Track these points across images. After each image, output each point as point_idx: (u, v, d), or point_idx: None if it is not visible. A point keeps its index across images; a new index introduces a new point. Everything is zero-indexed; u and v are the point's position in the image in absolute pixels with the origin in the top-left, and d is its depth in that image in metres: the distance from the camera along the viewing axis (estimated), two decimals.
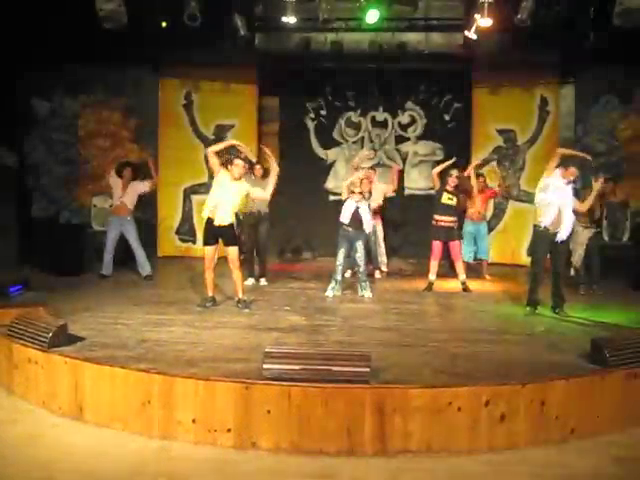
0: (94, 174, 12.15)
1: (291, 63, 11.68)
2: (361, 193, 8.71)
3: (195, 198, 12.40)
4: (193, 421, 4.78)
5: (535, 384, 4.82)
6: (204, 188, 12.30)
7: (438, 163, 12.53)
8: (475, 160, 10.86)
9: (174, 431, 4.83)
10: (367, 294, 8.63)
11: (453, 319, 7.70)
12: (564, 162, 7.51)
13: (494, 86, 11.99)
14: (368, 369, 4.80)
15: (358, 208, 8.59)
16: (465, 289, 9.09)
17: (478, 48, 10.45)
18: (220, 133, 12.47)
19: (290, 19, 9.97)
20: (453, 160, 9.33)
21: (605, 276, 9.15)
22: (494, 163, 11.99)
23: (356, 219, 8.58)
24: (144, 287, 9.18)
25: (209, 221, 7.52)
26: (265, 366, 4.84)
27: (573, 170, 7.42)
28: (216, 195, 7.50)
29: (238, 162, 7.61)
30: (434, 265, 9.17)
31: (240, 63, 11.68)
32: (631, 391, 5.14)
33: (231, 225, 7.60)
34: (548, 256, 7.60)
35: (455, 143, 12.48)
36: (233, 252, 7.58)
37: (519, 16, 8.95)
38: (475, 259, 10.29)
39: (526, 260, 11.19)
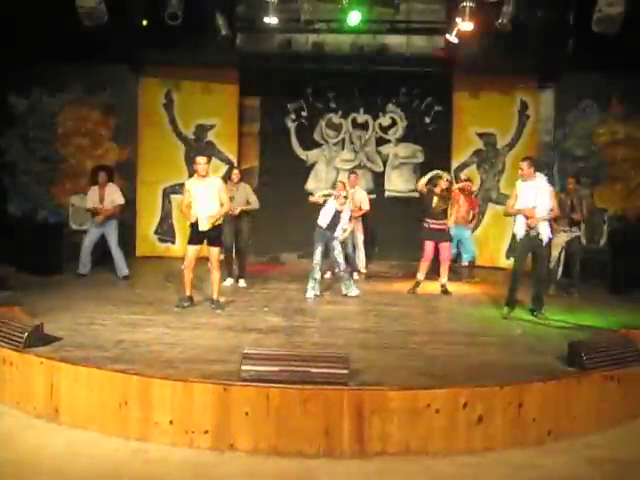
0: (72, 173, 12.06)
1: (272, 64, 11.66)
2: (345, 197, 8.71)
3: (175, 198, 12.33)
4: (170, 422, 4.75)
5: (513, 386, 4.85)
6: (184, 188, 12.26)
7: (419, 166, 12.74)
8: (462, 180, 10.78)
9: (151, 433, 4.78)
10: (353, 292, 8.62)
11: (432, 321, 7.72)
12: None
13: (474, 89, 12.06)
14: (346, 371, 4.79)
15: (339, 212, 8.58)
16: (445, 292, 9.12)
17: (459, 52, 10.50)
18: (200, 133, 12.44)
19: (272, 20, 9.95)
20: (435, 172, 9.28)
21: (583, 280, 9.22)
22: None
23: (334, 222, 8.59)
24: (122, 287, 9.11)
25: (195, 223, 7.48)
26: (243, 367, 4.82)
27: (520, 164, 7.49)
28: (195, 206, 7.47)
29: (200, 159, 7.57)
30: (424, 266, 9.15)
31: (221, 63, 11.66)
32: (607, 393, 5.19)
33: (217, 227, 7.56)
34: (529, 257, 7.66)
35: (435, 146, 12.57)
36: (215, 252, 7.55)
37: (500, 21, 9.01)
38: (456, 262, 10.33)
39: (505, 263, 11.29)
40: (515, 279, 7.63)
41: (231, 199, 9.00)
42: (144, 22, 10.10)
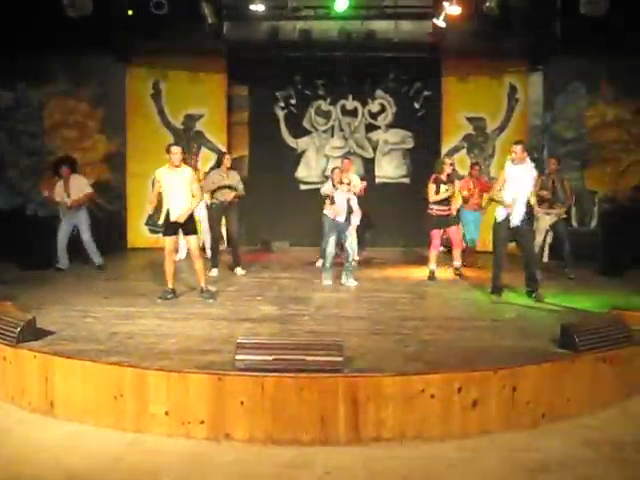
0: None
1: (260, 52, 11.60)
2: (349, 183, 8.67)
3: None
4: (166, 413, 4.75)
5: (506, 370, 4.87)
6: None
7: (409, 151, 12.72)
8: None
9: (147, 424, 4.78)
10: (352, 283, 8.59)
11: (425, 307, 7.73)
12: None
13: (463, 74, 12.06)
14: (341, 358, 4.80)
15: (349, 200, 8.53)
16: (459, 275, 9.09)
17: (447, 36, 10.48)
18: (189, 123, 12.40)
19: (258, 7, 9.90)
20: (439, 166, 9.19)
21: (574, 262, 9.25)
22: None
23: (346, 210, 8.51)
24: (114, 280, 9.08)
25: (167, 214, 7.47)
26: (238, 357, 4.82)
27: (513, 148, 7.47)
28: (167, 196, 7.43)
29: (174, 148, 7.45)
30: (434, 255, 9.10)
31: (208, 52, 11.60)
32: (600, 375, 5.22)
33: (190, 216, 7.52)
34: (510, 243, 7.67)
35: (425, 131, 12.58)
36: (193, 241, 7.54)
37: (487, 4, 9.02)
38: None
39: None
40: (495, 266, 7.63)
41: (227, 186, 8.98)
42: (129, 12, 10.01)
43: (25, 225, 10.35)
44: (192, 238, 7.55)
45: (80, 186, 9.75)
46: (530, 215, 7.63)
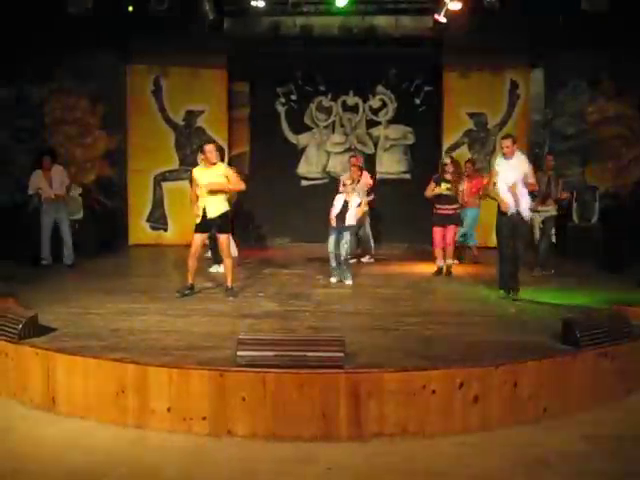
0: (61, 162, 11.95)
1: (261, 47, 11.58)
2: (352, 182, 8.67)
3: (165, 185, 12.31)
4: (168, 410, 4.75)
5: (508, 365, 4.87)
6: (174, 175, 12.24)
7: (409, 147, 12.71)
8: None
9: (149, 420, 4.79)
10: (348, 281, 8.59)
11: (426, 302, 7.72)
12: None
13: (464, 70, 12.03)
14: (342, 354, 4.80)
15: (347, 202, 8.52)
16: (448, 273, 9.08)
17: (448, 32, 10.47)
18: (190, 119, 12.38)
19: (259, 3, 9.89)
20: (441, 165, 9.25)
21: (576, 257, 9.25)
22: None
23: (343, 213, 8.50)
24: (115, 276, 9.07)
25: (204, 211, 7.41)
26: (239, 353, 4.82)
27: (503, 142, 7.45)
28: (202, 194, 7.41)
29: (210, 147, 7.51)
30: (438, 252, 9.12)
31: (209, 48, 11.57)
32: (601, 370, 5.23)
33: (225, 214, 7.50)
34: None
35: (426, 127, 12.56)
36: (223, 240, 7.51)
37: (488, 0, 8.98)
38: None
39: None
40: (501, 262, 7.59)
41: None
42: (130, 8, 10.00)
43: (27, 221, 10.33)
44: (222, 237, 7.50)
45: (62, 177, 9.74)
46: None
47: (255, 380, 4.65)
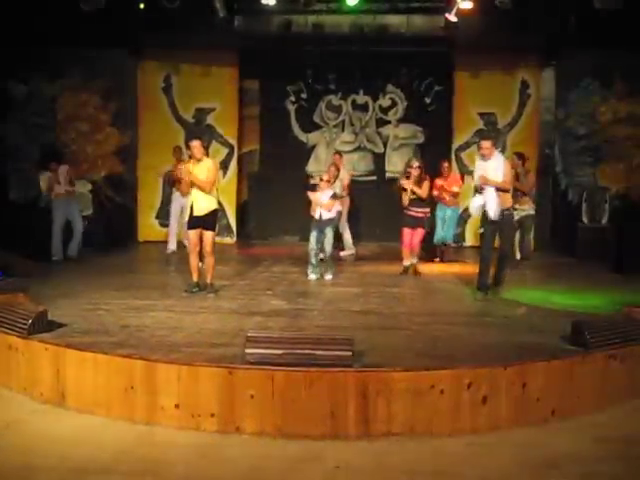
0: (73, 158, 12.01)
1: (271, 46, 11.59)
2: (328, 181, 8.75)
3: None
4: (176, 406, 4.77)
5: (516, 366, 4.86)
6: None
7: (419, 146, 12.70)
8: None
9: (157, 416, 4.80)
10: (328, 276, 8.66)
11: (433, 302, 7.72)
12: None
13: (475, 69, 12.00)
14: (351, 353, 4.80)
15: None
16: (415, 272, 9.10)
17: (459, 31, 10.44)
18: (200, 116, 12.40)
19: (270, 1, 9.89)
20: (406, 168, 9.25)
21: (585, 258, 9.22)
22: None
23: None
24: (125, 272, 9.11)
25: (191, 208, 7.51)
26: (248, 351, 4.83)
27: (482, 143, 7.48)
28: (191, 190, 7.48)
29: (195, 143, 7.53)
30: (406, 252, 9.15)
31: (220, 45, 11.59)
32: (610, 372, 5.20)
33: (212, 211, 7.54)
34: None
35: (436, 126, 12.54)
36: (208, 237, 7.52)
37: None
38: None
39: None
40: (483, 260, 7.56)
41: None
42: (142, 5, 10.02)
43: (38, 217, 10.38)
44: (207, 234, 7.51)
45: (68, 175, 10.02)
46: (510, 209, 7.57)
47: (263, 378, 4.66)
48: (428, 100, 12.78)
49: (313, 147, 12.95)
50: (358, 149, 12.60)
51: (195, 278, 7.65)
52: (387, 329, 6.10)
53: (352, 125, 12.92)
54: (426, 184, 9.07)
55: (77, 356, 5.10)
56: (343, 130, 12.92)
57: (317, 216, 8.60)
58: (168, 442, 4.57)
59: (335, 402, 4.63)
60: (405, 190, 8.93)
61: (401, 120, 12.88)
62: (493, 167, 7.34)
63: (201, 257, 7.62)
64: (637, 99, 11.45)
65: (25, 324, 5.46)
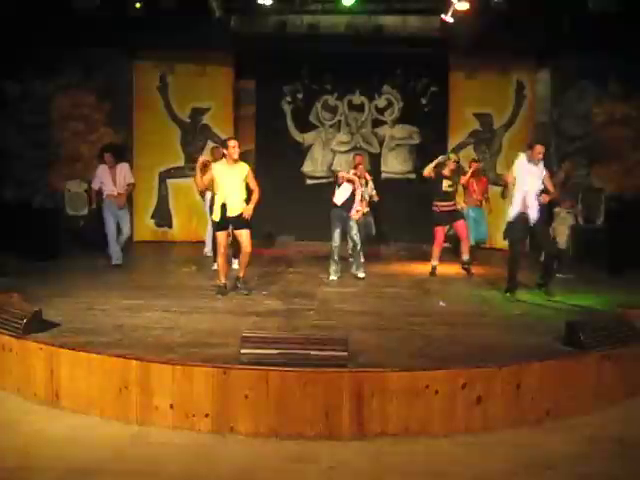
0: (67, 158, 12.00)
1: (267, 46, 11.57)
2: (360, 177, 8.71)
3: (170, 182, 12.32)
4: (171, 406, 4.76)
5: (511, 367, 4.87)
6: (180, 172, 12.25)
7: (415, 147, 12.70)
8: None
9: (152, 417, 4.80)
10: (361, 274, 8.61)
11: (430, 302, 7.72)
12: (531, 143, 7.60)
13: (471, 70, 12.02)
14: (346, 353, 4.80)
15: (354, 192, 8.55)
16: (467, 270, 9.01)
17: (455, 32, 10.44)
18: (196, 116, 12.38)
19: (266, 1, 9.86)
20: (442, 157, 9.19)
21: (580, 259, 9.23)
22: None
23: (349, 202, 8.54)
24: (120, 272, 9.08)
25: (223, 208, 7.37)
26: (243, 351, 4.83)
27: (539, 148, 7.44)
28: (222, 191, 7.36)
29: (233, 142, 7.41)
30: (437, 251, 9.09)
31: (216, 46, 11.56)
32: (604, 373, 5.21)
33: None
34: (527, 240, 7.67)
35: (432, 127, 12.55)
36: (245, 235, 7.42)
37: (496, 0, 8.95)
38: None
39: (502, 244, 11.28)
40: (511, 264, 7.58)
41: None
42: (137, 5, 10.00)
43: (32, 217, 10.34)
44: (245, 232, 7.44)
45: (127, 175, 9.61)
46: (543, 211, 7.58)
47: (258, 378, 4.66)
48: (424, 101, 12.78)
49: (309, 147, 12.94)
50: (354, 149, 12.58)
51: (223, 280, 7.55)
52: (383, 329, 6.10)
53: (348, 125, 12.92)
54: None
55: (71, 356, 5.09)
56: (339, 130, 12.92)
57: (339, 202, 8.49)
58: (162, 442, 4.57)
59: (330, 402, 4.63)
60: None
61: (397, 120, 12.87)
62: (541, 171, 7.40)
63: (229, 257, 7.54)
64: (631, 100, 11.47)
65: (19, 324, 5.44)
